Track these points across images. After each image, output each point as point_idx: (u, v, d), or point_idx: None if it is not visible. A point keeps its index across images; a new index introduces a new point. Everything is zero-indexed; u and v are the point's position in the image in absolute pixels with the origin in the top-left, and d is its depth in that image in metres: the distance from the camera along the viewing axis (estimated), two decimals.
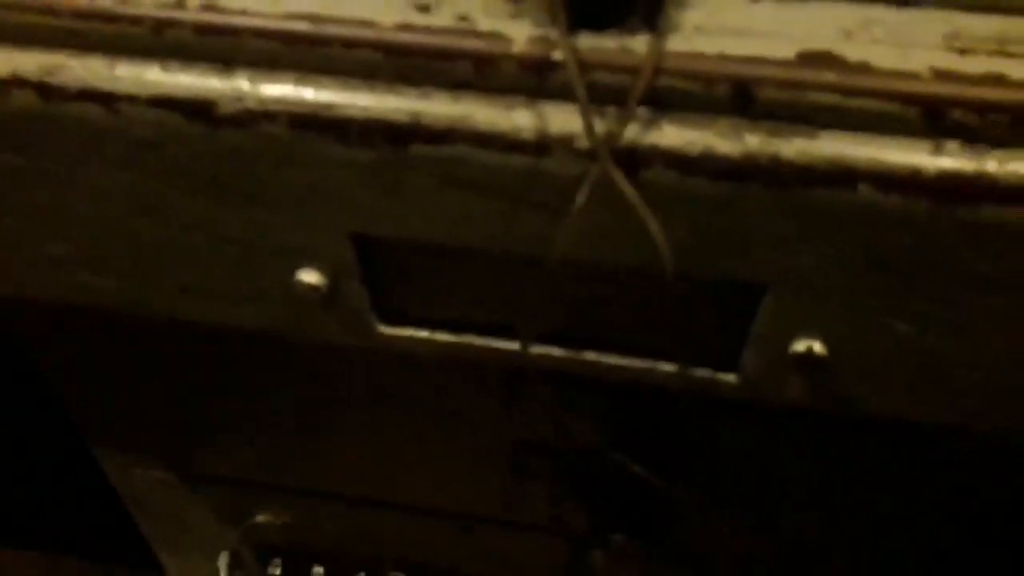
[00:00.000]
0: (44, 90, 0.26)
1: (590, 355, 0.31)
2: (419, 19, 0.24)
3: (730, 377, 0.30)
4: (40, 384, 0.56)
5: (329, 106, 0.24)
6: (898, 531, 0.50)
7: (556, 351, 0.31)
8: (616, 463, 0.36)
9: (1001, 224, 0.23)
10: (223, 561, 0.76)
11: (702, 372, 0.30)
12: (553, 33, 0.23)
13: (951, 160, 0.22)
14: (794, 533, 0.54)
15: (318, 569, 0.75)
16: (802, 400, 0.30)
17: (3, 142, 0.27)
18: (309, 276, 0.30)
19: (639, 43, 0.23)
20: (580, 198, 0.23)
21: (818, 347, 0.28)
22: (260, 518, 0.72)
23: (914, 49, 0.23)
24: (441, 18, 0.24)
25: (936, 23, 0.23)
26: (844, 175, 0.23)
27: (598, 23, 0.23)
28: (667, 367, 0.30)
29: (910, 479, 0.42)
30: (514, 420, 0.49)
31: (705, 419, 0.37)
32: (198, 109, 0.25)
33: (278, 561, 0.75)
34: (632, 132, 0.23)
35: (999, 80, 0.22)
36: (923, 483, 0.42)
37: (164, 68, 0.25)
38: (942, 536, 0.49)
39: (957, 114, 0.22)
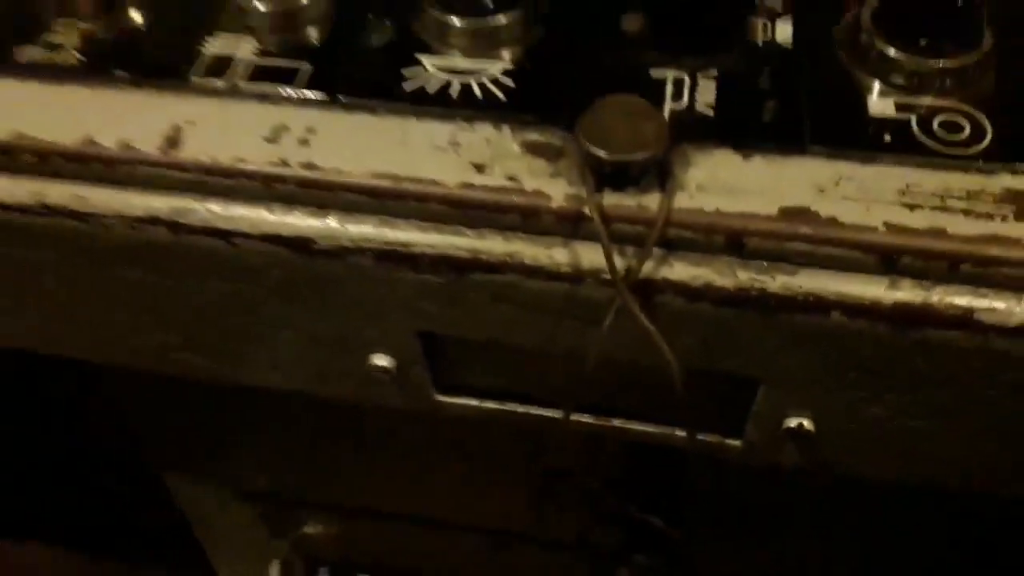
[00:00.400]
0: (174, 227, 0.32)
1: (618, 422, 0.37)
2: (476, 178, 0.30)
3: (736, 443, 0.36)
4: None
5: (406, 244, 0.31)
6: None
7: (589, 418, 0.37)
8: (627, 511, 0.42)
9: (944, 343, 0.29)
10: (275, 569, 0.82)
11: (712, 438, 0.36)
12: (583, 192, 0.29)
13: (903, 294, 0.28)
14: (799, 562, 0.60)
15: None
16: (794, 463, 0.36)
17: (138, 264, 0.34)
18: (381, 360, 0.36)
19: (652, 200, 0.29)
20: (607, 322, 0.29)
21: (807, 423, 0.34)
22: (308, 529, 0.78)
23: (873, 204, 0.28)
24: (494, 178, 0.30)
25: (892, 179, 0.29)
26: (819, 305, 0.29)
27: (619, 184, 0.29)
28: (683, 433, 0.36)
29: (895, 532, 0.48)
30: (545, 452, 0.55)
31: (713, 476, 0.43)
32: (299, 244, 0.31)
33: (325, 571, 0.81)
34: (648, 268, 0.29)
35: (939, 233, 0.28)
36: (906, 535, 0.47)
37: (271, 212, 0.31)
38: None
39: (906, 260, 0.28)
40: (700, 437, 0.36)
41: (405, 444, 0.60)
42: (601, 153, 0.28)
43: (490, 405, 0.38)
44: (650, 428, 0.37)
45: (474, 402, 0.38)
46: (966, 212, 0.28)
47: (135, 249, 0.33)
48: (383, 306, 0.33)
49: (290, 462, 0.65)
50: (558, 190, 0.29)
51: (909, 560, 0.56)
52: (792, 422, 0.33)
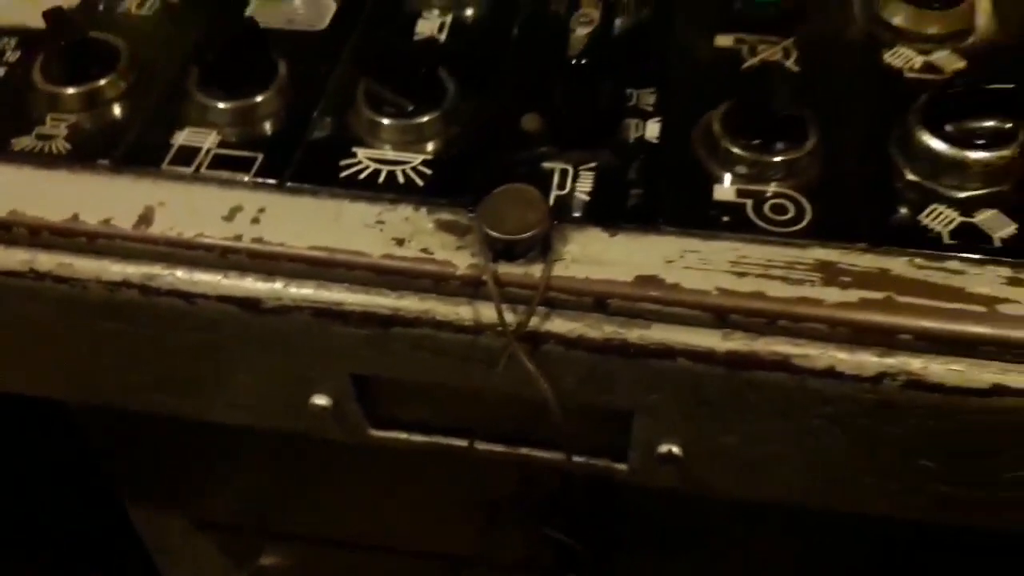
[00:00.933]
0: (144, 290, 0.39)
1: (523, 450, 0.44)
2: (397, 250, 0.37)
3: (622, 467, 0.43)
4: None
5: (339, 303, 0.37)
6: None
7: (499, 447, 0.44)
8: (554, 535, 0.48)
9: (770, 382, 0.36)
10: None
11: (603, 463, 0.43)
12: (482, 262, 0.36)
13: (733, 343, 0.35)
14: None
15: None
16: (672, 483, 0.43)
17: (115, 318, 0.40)
18: (320, 400, 0.42)
19: (536, 269, 0.36)
20: (501, 364, 0.36)
21: (676, 449, 0.40)
22: (265, 561, 0.83)
23: (709, 272, 0.36)
24: (411, 250, 0.37)
25: (726, 252, 0.36)
26: (667, 352, 0.36)
27: (509, 256, 0.36)
28: (580, 459, 0.43)
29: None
30: (480, 481, 0.61)
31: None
32: (249, 304, 0.38)
33: None
34: (534, 322, 0.36)
35: (760, 296, 0.35)
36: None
37: (226, 277, 0.38)
38: None
39: (735, 316, 0.35)
40: (592, 462, 0.43)
41: (356, 475, 0.65)
42: (495, 233, 0.35)
43: (417, 438, 0.45)
44: (549, 455, 0.43)
45: (403, 435, 0.45)
46: (783, 279, 0.35)
47: (112, 307, 0.39)
48: (321, 354, 0.40)
49: (248, 493, 0.71)
50: (463, 260, 0.36)
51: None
52: (663, 448, 0.40)
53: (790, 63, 0.43)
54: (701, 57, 0.44)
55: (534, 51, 0.43)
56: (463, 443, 0.44)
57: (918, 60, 0.43)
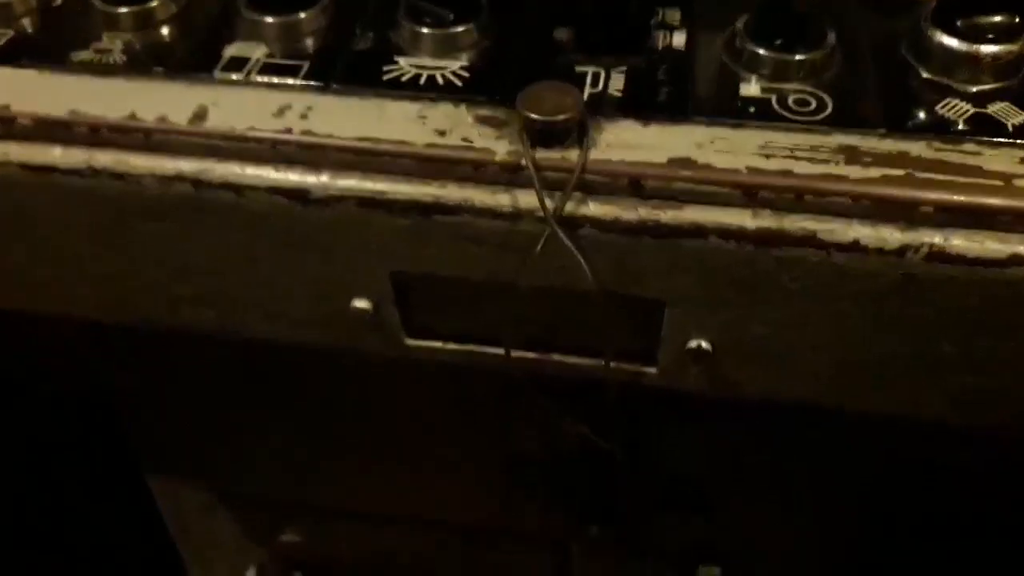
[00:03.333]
0: (196, 183, 0.40)
1: (555, 356, 0.45)
2: (438, 140, 0.39)
3: (652, 370, 0.44)
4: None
5: (383, 192, 0.39)
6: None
7: (531, 355, 0.45)
8: (580, 436, 0.49)
9: (798, 259, 0.37)
10: (251, 574, 0.86)
11: (633, 367, 0.44)
12: (521, 148, 0.38)
13: (763, 220, 0.37)
14: (737, 523, 0.67)
15: None
16: (701, 386, 0.44)
17: (166, 216, 0.42)
18: (361, 303, 0.44)
19: (573, 155, 0.38)
20: (538, 247, 0.38)
21: (705, 344, 0.42)
22: (285, 537, 0.83)
23: (738, 155, 0.37)
24: (452, 140, 0.39)
25: (754, 138, 0.38)
26: (699, 231, 0.37)
27: (548, 143, 0.38)
28: (611, 364, 0.44)
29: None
30: (504, 436, 0.63)
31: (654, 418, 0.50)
32: (297, 195, 0.40)
33: (299, 574, 0.85)
34: (570, 206, 0.38)
35: (787, 174, 0.37)
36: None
37: (276, 169, 0.40)
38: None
39: (764, 193, 0.37)
40: (623, 366, 0.44)
41: (377, 437, 0.66)
42: (534, 116, 0.37)
43: (450, 346, 0.46)
44: (581, 361, 0.45)
45: (437, 344, 0.46)
46: (809, 159, 0.37)
47: (164, 204, 0.41)
48: (362, 251, 0.41)
49: (271, 461, 0.71)
50: (502, 148, 0.38)
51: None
52: (693, 343, 0.42)
53: None
54: None
55: None
56: (498, 351, 0.45)
57: None
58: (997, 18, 0.39)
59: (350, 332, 0.46)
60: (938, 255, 0.36)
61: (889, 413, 0.43)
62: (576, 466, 0.64)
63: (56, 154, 0.41)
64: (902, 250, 0.36)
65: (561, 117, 0.37)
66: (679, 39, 0.43)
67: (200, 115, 0.40)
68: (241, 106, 0.41)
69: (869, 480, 0.61)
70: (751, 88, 0.40)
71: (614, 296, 0.40)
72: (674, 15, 0.44)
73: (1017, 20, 0.39)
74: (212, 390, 0.65)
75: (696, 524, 0.67)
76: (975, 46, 0.39)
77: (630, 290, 0.40)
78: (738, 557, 0.68)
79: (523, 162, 0.38)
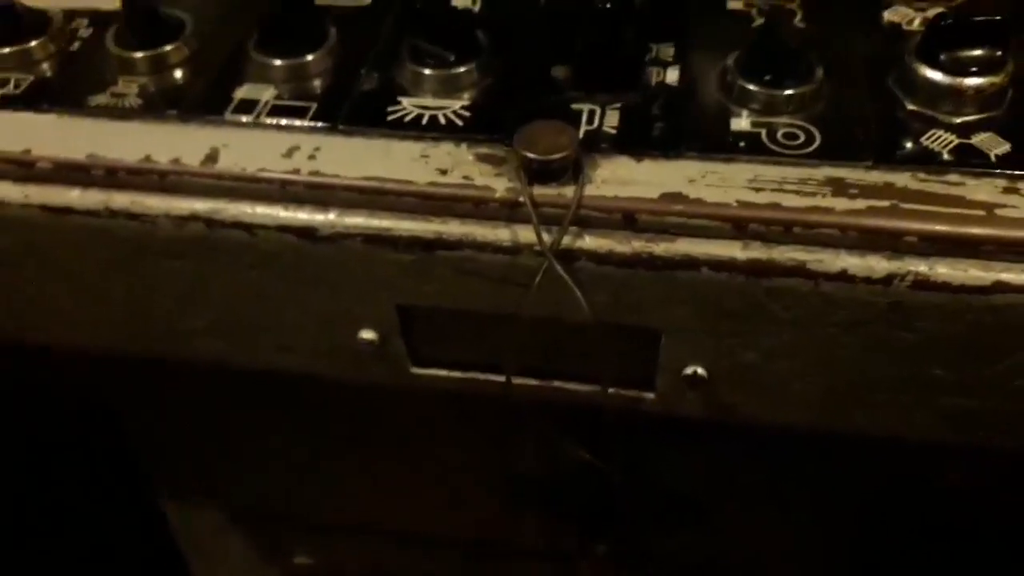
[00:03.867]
0: (209, 223, 0.42)
1: (555, 383, 0.47)
2: (440, 179, 0.40)
3: (650, 395, 0.46)
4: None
5: (388, 229, 0.41)
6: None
7: (532, 381, 0.47)
8: (581, 461, 0.50)
9: (788, 288, 0.39)
10: None
11: (631, 393, 0.46)
12: (519, 185, 0.39)
13: (753, 252, 0.38)
14: (739, 539, 0.68)
15: None
16: (697, 411, 0.45)
17: (181, 255, 0.44)
18: (367, 334, 0.45)
19: (569, 191, 0.39)
20: (537, 279, 0.39)
21: (700, 370, 0.43)
22: (297, 560, 0.85)
23: (728, 189, 0.39)
24: (454, 178, 0.40)
25: (744, 172, 0.40)
26: (691, 262, 0.39)
27: (544, 180, 0.39)
28: (609, 390, 0.46)
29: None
30: (508, 456, 0.64)
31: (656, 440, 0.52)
32: (306, 233, 0.41)
33: None
34: (567, 240, 0.39)
35: (776, 207, 0.38)
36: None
37: (285, 208, 0.42)
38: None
39: (754, 226, 0.38)
40: (621, 392, 0.45)
41: (384, 457, 0.68)
42: (531, 155, 0.39)
43: (454, 374, 0.47)
44: (581, 387, 0.46)
45: (443, 372, 0.47)
46: (797, 192, 0.39)
47: (177, 243, 0.43)
48: (369, 284, 0.43)
49: (281, 480, 0.73)
50: (501, 185, 0.40)
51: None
52: (689, 370, 0.43)
53: (797, 21, 0.47)
54: (715, 18, 0.48)
55: (563, 9, 0.47)
56: (500, 378, 0.47)
57: (915, 17, 0.47)
58: (979, 52, 0.40)
59: (357, 362, 0.47)
60: (924, 283, 0.37)
61: (881, 436, 0.44)
62: (579, 485, 0.66)
63: (74, 195, 0.43)
64: (888, 279, 0.37)
65: (557, 156, 0.39)
66: (672, 75, 0.44)
67: (212, 157, 0.42)
68: (251, 147, 0.42)
69: (867, 497, 0.62)
70: (742, 123, 0.42)
71: (611, 326, 0.41)
72: (668, 51, 0.46)
73: (999, 54, 0.40)
74: (223, 413, 0.67)
75: (697, 540, 0.68)
76: (959, 79, 0.40)
77: (626, 320, 0.41)
78: (740, 572, 0.69)
79: (521, 199, 0.39)
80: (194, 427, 0.69)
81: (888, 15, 0.47)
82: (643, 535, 0.68)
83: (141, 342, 0.49)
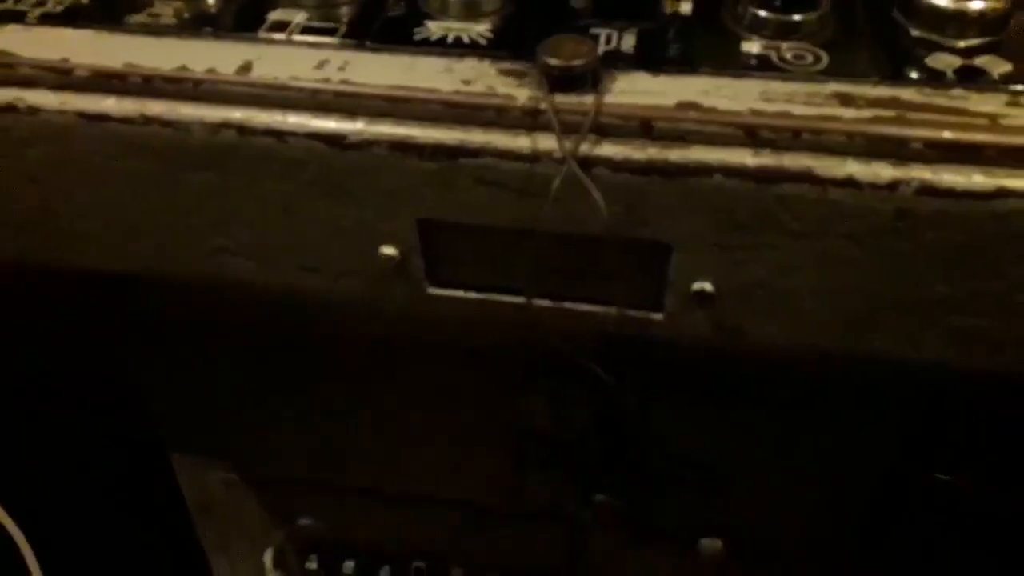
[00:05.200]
0: (241, 130, 0.44)
1: (568, 304, 0.48)
2: (464, 88, 0.42)
3: (658, 316, 0.47)
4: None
5: (413, 137, 0.42)
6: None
7: (545, 302, 0.48)
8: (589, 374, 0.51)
9: (796, 195, 0.40)
10: (268, 558, 0.88)
11: (640, 314, 0.47)
12: (540, 94, 0.41)
13: (763, 159, 0.40)
14: (742, 497, 0.68)
15: (349, 563, 0.85)
16: (705, 332, 0.46)
17: (208, 164, 0.45)
18: (388, 250, 0.47)
19: (588, 100, 0.41)
20: (556, 183, 0.41)
21: (709, 287, 0.44)
22: (302, 521, 0.85)
23: (741, 100, 0.41)
24: (477, 88, 0.42)
25: (755, 86, 0.41)
26: (704, 169, 0.40)
27: (565, 88, 0.41)
28: (619, 310, 0.47)
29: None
30: (516, 411, 0.65)
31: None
32: (335, 140, 0.43)
33: (314, 557, 0.86)
34: (585, 147, 0.41)
35: (785, 115, 0.40)
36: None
37: (315, 116, 0.43)
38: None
39: (764, 133, 0.40)
40: (630, 314, 0.47)
41: (390, 412, 0.68)
42: (553, 61, 0.41)
43: (471, 295, 0.49)
44: (594, 308, 0.47)
45: (460, 293, 0.49)
46: (805, 103, 0.40)
47: (209, 151, 0.44)
48: (392, 196, 0.44)
49: (291, 439, 0.74)
50: (522, 94, 0.42)
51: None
52: (697, 286, 0.44)
53: None
54: None
55: None
56: (515, 299, 0.48)
57: None
58: None
59: (377, 280, 0.48)
60: (928, 189, 0.39)
61: (890, 356, 0.45)
62: (585, 440, 0.67)
63: (110, 103, 0.45)
64: (894, 184, 0.39)
65: (578, 62, 0.40)
66: (686, 7, 0.46)
67: (246, 68, 0.44)
68: (284, 60, 0.44)
69: (875, 461, 0.63)
70: (753, 46, 0.44)
71: (623, 241, 0.43)
72: None
73: None
74: (234, 370, 0.68)
75: (701, 499, 0.69)
76: (962, 3, 0.42)
77: (639, 233, 0.43)
78: (741, 531, 0.69)
79: (542, 106, 0.41)
80: (205, 384, 0.70)
81: None
82: (644, 490, 0.69)
83: (168, 261, 0.51)
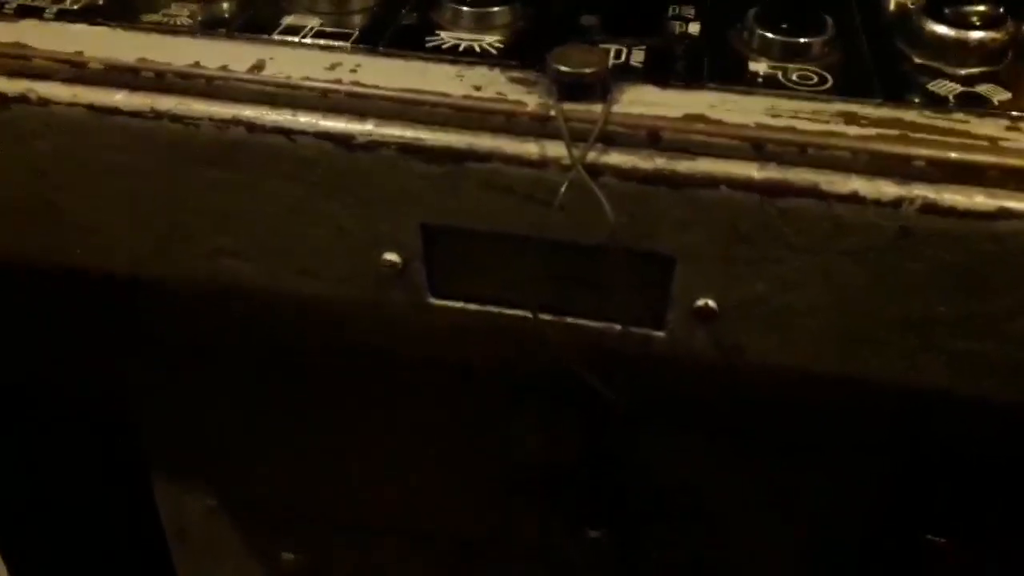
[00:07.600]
0: (250, 127, 0.44)
1: (570, 319, 0.48)
2: (474, 93, 0.43)
3: (660, 334, 0.47)
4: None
5: (421, 139, 0.43)
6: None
7: (548, 316, 0.48)
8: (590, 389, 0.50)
9: (800, 209, 0.40)
10: None
11: (642, 331, 0.47)
12: (550, 101, 0.42)
13: (769, 172, 0.40)
14: (734, 540, 0.68)
15: None
16: (706, 351, 0.46)
17: (215, 161, 0.45)
18: (391, 256, 0.47)
19: (597, 108, 0.41)
20: (563, 190, 0.41)
21: (711, 303, 0.44)
22: (285, 556, 0.83)
23: (747, 114, 0.41)
24: (487, 93, 0.43)
25: (762, 102, 0.42)
26: (711, 181, 0.41)
27: (574, 96, 0.42)
28: (621, 327, 0.47)
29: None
30: (504, 442, 0.64)
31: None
32: (343, 140, 0.43)
33: None
34: (592, 155, 0.41)
35: (791, 130, 0.40)
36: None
37: (325, 116, 0.44)
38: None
39: (771, 147, 0.40)
40: (632, 331, 0.47)
41: (380, 445, 0.68)
42: (563, 68, 0.41)
43: (472, 307, 0.49)
44: (597, 325, 0.47)
45: (460, 304, 0.49)
46: (811, 119, 0.41)
47: (217, 148, 0.45)
48: (397, 199, 0.45)
49: (272, 471, 0.73)
50: (532, 101, 0.42)
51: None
52: (700, 302, 0.44)
53: None
54: None
55: None
56: (516, 312, 0.48)
57: None
58: (982, 7, 0.43)
59: (377, 287, 0.48)
60: (931, 207, 0.39)
61: (887, 378, 0.45)
62: (575, 473, 0.66)
63: (121, 97, 0.45)
64: (897, 202, 0.39)
65: (588, 71, 0.41)
66: (694, 28, 0.47)
67: (259, 66, 0.44)
68: (296, 61, 0.45)
69: (867, 499, 0.62)
70: (760, 66, 0.44)
71: (627, 253, 0.43)
72: (688, 10, 0.49)
73: (1000, 10, 0.43)
74: (224, 387, 0.67)
75: (693, 534, 0.68)
76: (963, 32, 0.43)
77: (643, 245, 0.43)
78: (733, 571, 0.68)
79: (552, 112, 0.41)
80: (192, 402, 0.69)
81: None
82: (635, 524, 0.68)
83: (166, 261, 0.50)
